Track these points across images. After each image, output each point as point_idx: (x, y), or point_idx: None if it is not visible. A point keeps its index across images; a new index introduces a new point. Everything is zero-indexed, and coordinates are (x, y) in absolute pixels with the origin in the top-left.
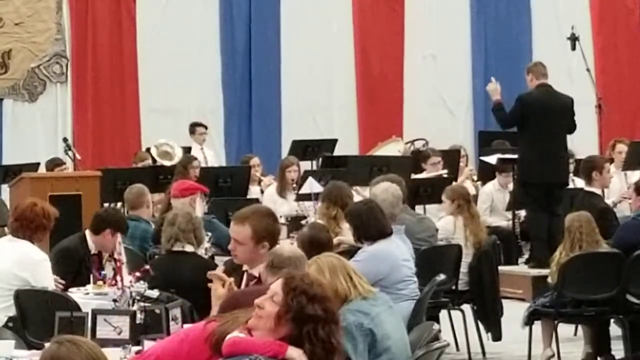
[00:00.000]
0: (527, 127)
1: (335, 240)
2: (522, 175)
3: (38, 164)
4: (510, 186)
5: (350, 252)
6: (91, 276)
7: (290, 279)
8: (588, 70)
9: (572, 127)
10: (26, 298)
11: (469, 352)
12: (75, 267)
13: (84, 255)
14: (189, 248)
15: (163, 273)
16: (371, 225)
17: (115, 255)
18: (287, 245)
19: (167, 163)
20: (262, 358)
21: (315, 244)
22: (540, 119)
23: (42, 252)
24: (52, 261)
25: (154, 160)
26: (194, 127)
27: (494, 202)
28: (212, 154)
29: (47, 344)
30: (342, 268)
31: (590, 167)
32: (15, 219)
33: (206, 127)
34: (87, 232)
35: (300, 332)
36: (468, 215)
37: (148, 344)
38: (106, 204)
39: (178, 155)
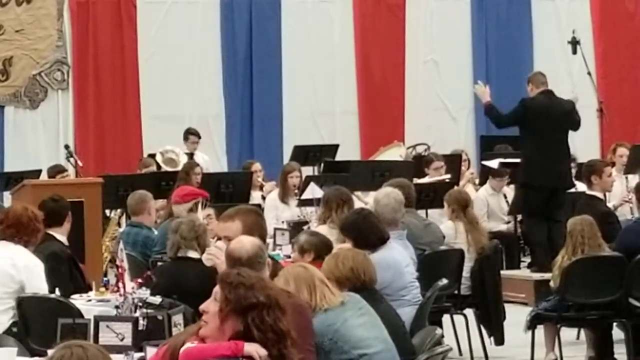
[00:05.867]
0: (530, 131)
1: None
2: (526, 178)
3: (40, 170)
4: (505, 189)
5: None
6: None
7: (226, 274)
8: (589, 74)
9: (576, 125)
10: (28, 305)
11: (471, 357)
12: (69, 267)
13: (67, 252)
14: (192, 254)
15: (167, 279)
16: (371, 234)
17: (118, 262)
18: (246, 245)
19: (171, 169)
20: None
21: (330, 248)
22: (543, 123)
23: (36, 258)
24: (49, 269)
25: (159, 167)
26: (187, 135)
27: (490, 206)
28: (207, 159)
29: (49, 351)
30: (308, 278)
31: (589, 172)
32: (8, 226)
33: (199, 137)
34: (52, 231)
35: (246, 323)
36: (466, 221)
37: (150, 350)
38: (107, 211)
39: (183, 162)
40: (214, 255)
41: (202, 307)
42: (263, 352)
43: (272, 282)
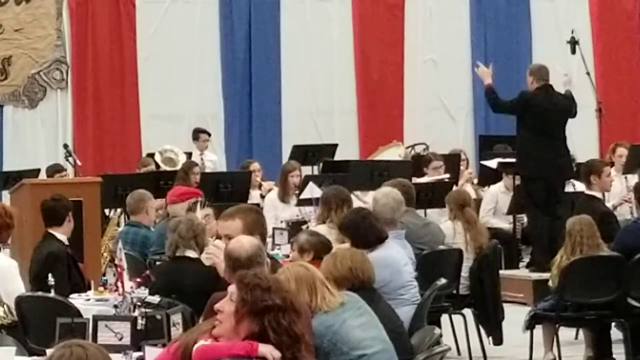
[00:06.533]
0: (528, 126)
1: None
2: (523, 170)
3: (38, 170)
4: None
5: None
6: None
7: (244, 275)
8: (588, 74)
9: (574, 113)
10: (27, 304)
11: (470, 357)
12: (67, 266)
13: (66, 252)
14: (190, 254)
15: (166, 279)
16: (368, 233)
17: (116, 262)
18: (245, 244)
19: (170, 169)
20: None
21: (330, 248)
22: (541, 119)
23: (9, 259)
24: (44, 269)
25: (158, 166)
26: (197, 134)
27: (498, 204)
28: (215, 159)
29: (48, 351)
30: (309, 279)
31: (588, 172)
32: None
33: (209, 134)
34: (52, 230)
35: (262, 325)
36: (464, 220)
37: (149, 350)
38: (106, 210)
39: (182, 161)
40: (213, 254)
41: (217, 306)
42: (277, 354)
43: (287, 285)
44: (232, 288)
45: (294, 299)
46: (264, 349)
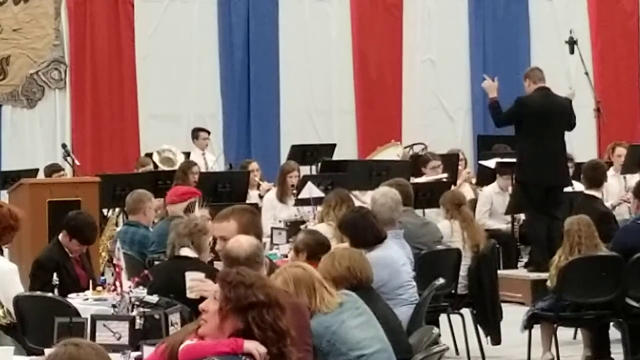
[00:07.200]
0: (527, 129)
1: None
2: (522, 177)
3: (37, 170)
4: (510, 189)
5: None
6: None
7: (226, 273)
8: (586, 73)
9: (572, 125)
10: (25, 304)
11: (468, 356)
12: (51, 275)
13: (60, 260)
14: (186, 252)
15: (164, 278)
16: (367, 232)
17: (115, 261)
18: (244, 244)
19: (168, 169)
20: (216, 358)
21: (326, 247)
22: (539, 121)
23: (9, 262)
24: (30, 274)
25: (156, 166)
26: (197, 132)
27: (494, 205)
28: (213, 159)
29: (46, 350)
30: (307, 280)
31: (604, 173)
32: None
33: (209, 133)
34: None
35: (246, 321)
36: (461, 219)
37: (147, 350)
38: (104, 210)
39: (180, 161)
40: (200, 289)
41: (201, 306)
42: (263, 349)
43: (271, 281)
44: (215, 287)
45: (278, 294)
46: (250, 345)
